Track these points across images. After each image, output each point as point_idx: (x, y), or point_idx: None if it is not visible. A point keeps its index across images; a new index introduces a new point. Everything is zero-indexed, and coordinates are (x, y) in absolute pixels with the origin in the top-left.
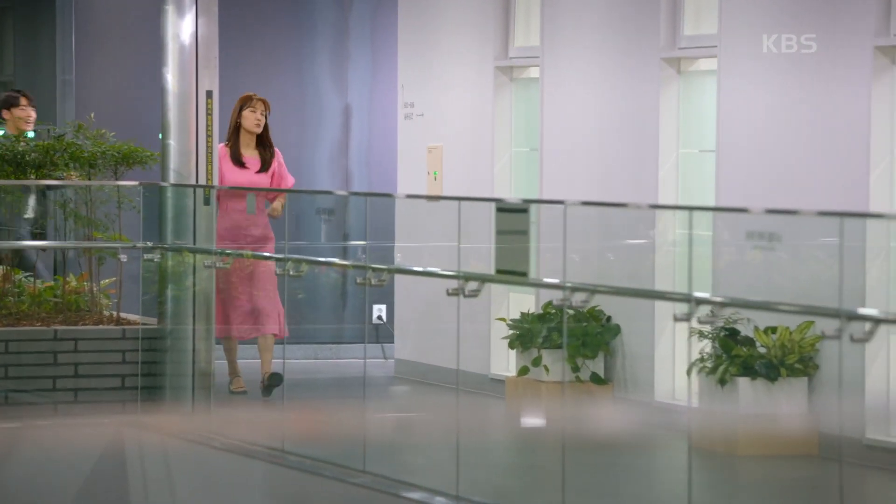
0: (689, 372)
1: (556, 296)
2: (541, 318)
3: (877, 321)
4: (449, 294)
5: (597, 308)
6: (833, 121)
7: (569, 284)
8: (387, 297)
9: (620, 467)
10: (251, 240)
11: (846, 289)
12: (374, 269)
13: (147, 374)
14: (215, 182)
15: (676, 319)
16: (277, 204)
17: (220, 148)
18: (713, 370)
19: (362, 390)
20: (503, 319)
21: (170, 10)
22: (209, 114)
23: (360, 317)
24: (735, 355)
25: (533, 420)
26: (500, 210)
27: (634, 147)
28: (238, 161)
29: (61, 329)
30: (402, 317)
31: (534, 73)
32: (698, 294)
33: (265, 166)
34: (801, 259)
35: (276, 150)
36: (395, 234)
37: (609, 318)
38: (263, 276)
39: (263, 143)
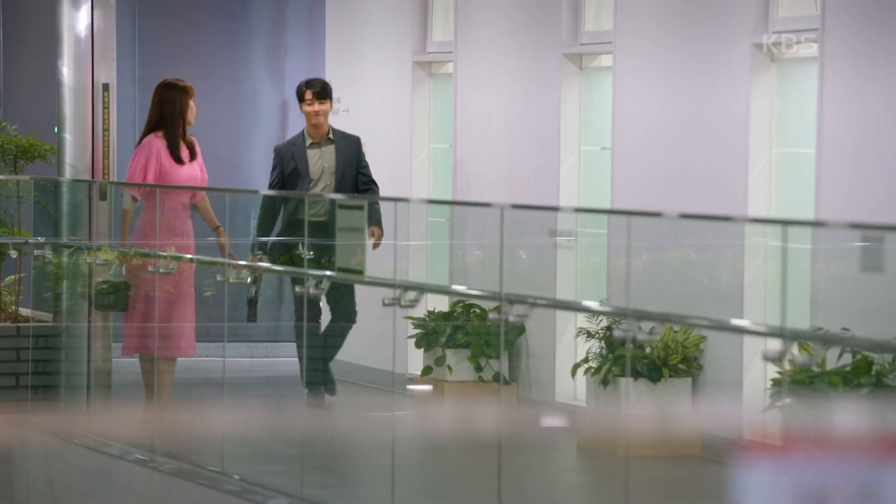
0: (573, 372)
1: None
2: (445, 316)
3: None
4: (296, 293)
5: None
6: (715, 119)
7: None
8: None
9: (507, 468)
10: (182, 241)
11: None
12: (233, 267)
13: (42, 372)
14: (115, 177)
15: (489, 321)
16: (225, 241)
17: (151, 139)
18: (598, 370)
19: (290, 390)
20: (411, 318)
21: (65, 1)
22: (105, 107)
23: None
24: (619, 355)
25: (427, 421)
26: (340, 207)
27: (537, 144)
28: (178, 157)
29: None
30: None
31: (452, 68)
32: (507, 291)
33: (192, 156)
34: (714, 262)
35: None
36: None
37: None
38: (186, 285)
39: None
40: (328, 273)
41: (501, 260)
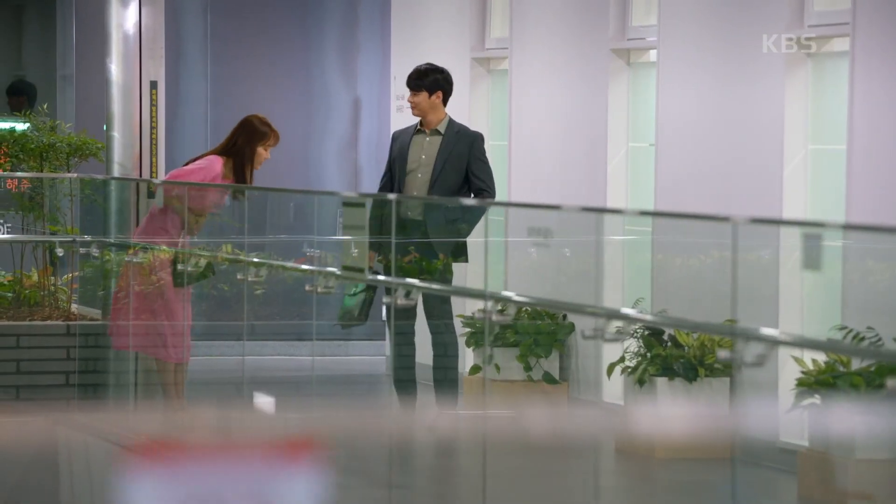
0: (609, 372)
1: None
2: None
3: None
4: (306, 291)
5: None
6: (751, 115)
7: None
8: None
9: (543, 470)
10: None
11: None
12: (253, 265)
13: (91, 370)
14: (161, 175)
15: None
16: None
17: (215, 161)
18: (634, 370)
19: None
20: (461, 316)
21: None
22: (154, 105)
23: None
24: (655, 355)
25: (471, 421)
26: (345, 205)
27: (586, 140)
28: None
29: (2, 325)
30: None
31: (508, 64)
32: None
33: None
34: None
35: None
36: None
37: (565, 316)
38: (174, 292)
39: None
40: (334, 270)
41: (486, 258)
